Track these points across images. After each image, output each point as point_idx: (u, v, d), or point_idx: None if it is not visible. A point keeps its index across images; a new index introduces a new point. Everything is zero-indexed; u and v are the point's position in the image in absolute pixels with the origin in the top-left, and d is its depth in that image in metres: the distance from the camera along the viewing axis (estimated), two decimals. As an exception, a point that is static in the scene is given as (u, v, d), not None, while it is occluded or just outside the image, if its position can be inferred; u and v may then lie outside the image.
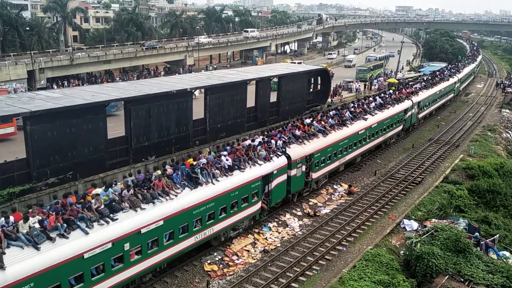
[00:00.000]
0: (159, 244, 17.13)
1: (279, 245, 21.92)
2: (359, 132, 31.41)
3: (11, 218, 14.09)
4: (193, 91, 28.66)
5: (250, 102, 34.76)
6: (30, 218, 13.95)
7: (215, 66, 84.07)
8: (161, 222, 16.88)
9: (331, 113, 31.73)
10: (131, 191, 16.73)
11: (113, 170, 24.14)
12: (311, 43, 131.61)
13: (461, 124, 48.19)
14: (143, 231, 16.21)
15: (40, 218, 14.36)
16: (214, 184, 19.41)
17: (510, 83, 74.90)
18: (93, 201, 15.68)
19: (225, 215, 20.22)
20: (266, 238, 22.44)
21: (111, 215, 15.54)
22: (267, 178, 22.60)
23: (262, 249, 21.45)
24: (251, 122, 34.60)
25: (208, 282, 18.53)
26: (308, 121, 28.95)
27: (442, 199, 27.57)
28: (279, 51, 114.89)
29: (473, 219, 25.69)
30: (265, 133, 27.37)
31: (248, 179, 21.11)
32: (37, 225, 14.02)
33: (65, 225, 14.37)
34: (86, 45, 75.62)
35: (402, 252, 21.81)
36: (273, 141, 24.32)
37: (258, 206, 22.33)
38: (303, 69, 43.02)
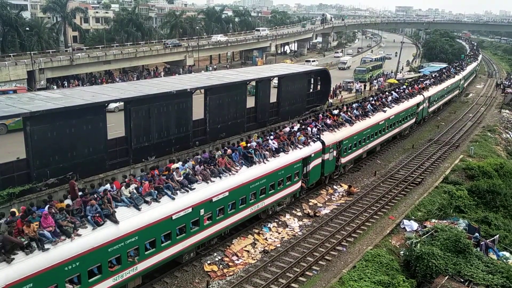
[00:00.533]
0: (225, 212, 20.32)
1: (279, 245, 21.92)
2: (380, 123, 34.64)
3: (113, 185, 17.41)
4: (193, 91, 28.65)
5: (250, 102, 34.81)
6: (131, 185, 17.07)
7: (215, 66, 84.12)
8: (227, 193, 20.06)
9: (354, 105, 35.33)
10: (202, 166, 19.94)
11: (113, 171, 24.13)
12: (311, 43, 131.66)
13: (461, 124, 48.22)
14: (214, 199, 19.40)
15: (136, 185, 17.37)
16: (265, 163, 22.48)
17: (510, 83, 74.93)
18: (174, 173, 18.85)
19: (273, 191, 23.34)
20: (266, 239, 22.45)
21: (189, 185, 18.64)
22: (306, 161, 25.67)
23: (262, 249, 21.46)
24: (251, 122, 34.59)
25: (208, 282, 18.54)
26: (336, 111, 32.19)
27: (442, 199, 27.58)
28: (279, 51, 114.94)
29: (473, 219, 25.70)
30: (301, 121, 30.59)
31: (291, 160, 24.16)
32: (134, 191, 17.05)
33: (156, 191, 17.44)
34: (86, 45, 75.63)
35: (402, 252, 21.81)
36: (309, 128, 27.37)
37: (298, 185, 25.49)
38: (303, 69, 43.01)
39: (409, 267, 20.57)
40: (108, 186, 17.40)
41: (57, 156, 21.85)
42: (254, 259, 20.58)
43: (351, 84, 65.60)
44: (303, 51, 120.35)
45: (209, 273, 19.26)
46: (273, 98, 37.47)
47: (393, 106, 37.50)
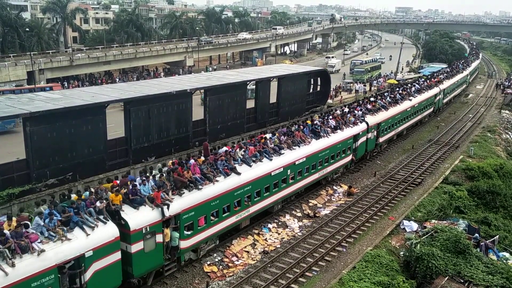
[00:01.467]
0: (302, 174, 25.30)
1: (278, 246, 21.91)
2: (407, 110, 40.02)
3: (225, 148, 22.12)
4: (192, 92, 28.66)
5: (250, 103, 34.83)
6: (238, 149, 21.94)
7: (214, 67, 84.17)
8: (304, 159, 25.06)
9: (386, 94, 41.21)
10: (285, 137, 25.01)
11: (112, 171, 24.13)
12: (310, 44, 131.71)
13: (461, 125, 48.21)
14: (296, 163, 24.40)
15: (244, 148, 22.25)
16: (327, 137, 27.46)
17: (509, 84, 74.95)
18: (268, 142, 23.68)
19: (333, 161, 28.32)
20: (265, 239, 22.43)
21: (279, 151, 23.53)
22: (355, 137, 30.77)
23: (262, 250, 21.44)
24: (250, 123, 34.60)
25: (207, 283, 18.52)
26: (372, 98, 38.17)
27: (442, 200, 27.56)
28: (279, 52, 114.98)
29: (473, 220, 25.68)
30: (347, 105, 36.25)
31: (346, 136, 29.40)
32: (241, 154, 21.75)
33: (258, 154, 22.23)
34: (86, 46, 75.61)
35: (402, 253, 21.80)
36: (356, 111, 32.76)
37: (350, 157, 30.67)
38: (302, 70, 43.03)
39: (409, 267, 20.56)
40: (224, 148, 22.18)
41: (57, 156, 21.87)
42: (254, 260, 20.56)
43: (351, 84, 65.62)
44: (303, 51, 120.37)
45: (209, 273, 19.24)
46: (273, 99, 37.51)
47: (416, 96, 42.71)
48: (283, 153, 23.53)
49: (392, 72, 76.99)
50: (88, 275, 14.39)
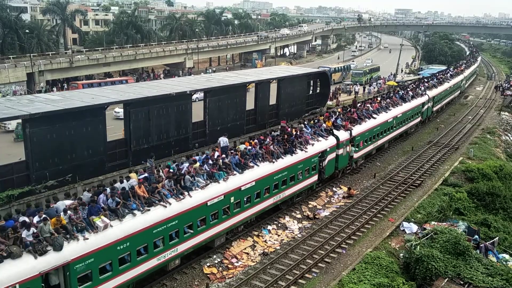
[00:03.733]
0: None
1: (278, 248, 21.89)
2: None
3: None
4: (192, 94, 28.67)
5: (250, 105, 34.82)
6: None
7: (214, 68, 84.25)
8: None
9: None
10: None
11: (112, 173, 24.12)
12: (310, 46, 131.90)
13: (461, 126, 48.25)
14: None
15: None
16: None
17: (509, 85, 75.03)
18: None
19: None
20: (265, 241, 22.42)
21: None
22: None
23: (262, 252, 21.43)
24: (250, 124, 34.61)
25: (207, 284, 18.50)
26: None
27: (442, 201, 27.53)
28: (279, 53, 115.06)
29: (473, 221, 25.65)
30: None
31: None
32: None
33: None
34: (86, 47, 75.69)
35: (401, 254, 21.79)
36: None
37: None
38: (302, 71, 43.06)
39: (409, 269, 20.54)
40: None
41: (57, 158, 21.86)
42: (254, 262, 20.55)
43: (351, 86, 65.71)
44: (303, 53, 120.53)
45: (208, 275, 19.23)
46: (272, 100, 37.54)
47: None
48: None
49: (391, 74, 77.06)
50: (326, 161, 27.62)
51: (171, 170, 19.26)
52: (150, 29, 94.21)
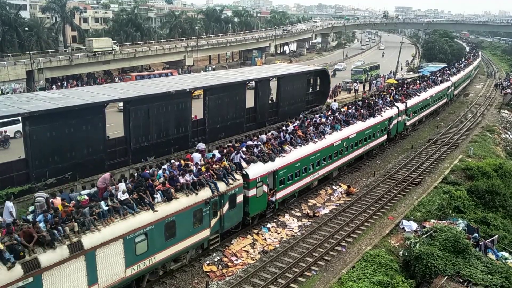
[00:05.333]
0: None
1: (278, 245, 21.90)
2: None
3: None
4: (192, 91, 28.67)
5: (249, 103, 34.82)
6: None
7: (214, 66, 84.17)
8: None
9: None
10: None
11: (112, 171, 24.08)
12: (310, 43, 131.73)
13: (460, 124, 48.22)
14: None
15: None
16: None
17: (509, 83, 74.97)
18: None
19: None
20: (265, 239, 22.43)
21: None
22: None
23: (261, 249, 21.44)
24: (250, 122, 34.60)
25: (207, 282, 18.52)
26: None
27: (441, 199, 27.57)
28: (279, 51, 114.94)
29: (472, 219, 25.68)
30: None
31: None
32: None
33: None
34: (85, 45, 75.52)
35: (401, 252, 21.81)
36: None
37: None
38: (302, 69, 43.05)
39: (408, 267, 20.56)
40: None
41: (56, 156, 21.87)
42: (253, 260, 20.56)
43: (350, 84, 65.69)
44: (303, 51, 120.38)
45: (208, 273, 19.24)
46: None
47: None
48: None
49: (391, 72, 77.02)
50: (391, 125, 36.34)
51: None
52: (150, 27, 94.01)
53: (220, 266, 19.84)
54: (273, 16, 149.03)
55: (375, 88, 64.49)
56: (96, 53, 61.92)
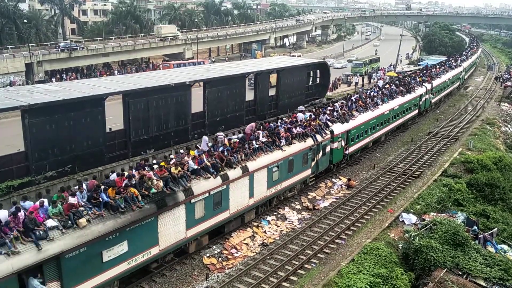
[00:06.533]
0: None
1: (277, 238, 21.96)
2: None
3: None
4: (191, 84, 28.56)
5: (249, 95, 34.73)
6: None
7: (213, 59, 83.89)
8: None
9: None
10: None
11: (112, 164, 24.11)
12: (310, 36, 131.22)
13: (460, 117, 48.20)
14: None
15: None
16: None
17: (509, 76, 74.80)
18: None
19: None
20: (265, 232, 22.49)
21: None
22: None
23: (261, 242, 21.50)
24: (250, 115, 34.52)
25: (207, 275, 18.59)
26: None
27: (441, 192, 27.62)
28: (278, 44, 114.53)
29: (472, 212, 25.75)
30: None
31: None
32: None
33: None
34: (84, 38, 75.25)
35: (400, 245, 21.88)
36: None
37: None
38: (302, 62, 42.89)
39: (408, 260, 20.65)
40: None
41: (56, 149, 21.81)
42: (253, 252, 20.62)
43: (350, 77, 65.53)
44: (302, 43, 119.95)
45: (208, 265, 19.31)
46: (272, 91, 37.42)
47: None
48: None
49: (391, 65, 76.79)
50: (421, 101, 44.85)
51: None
52: (149, 19, 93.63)
53: (220, 259, 19.91)
54: (273, 9, 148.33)
55: (375, 81, 64.29)
56: (164, 38, 73.31)
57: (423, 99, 45.00)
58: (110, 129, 25.69)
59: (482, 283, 18.63)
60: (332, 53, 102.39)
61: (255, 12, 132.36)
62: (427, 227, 22.35)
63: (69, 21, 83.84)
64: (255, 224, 22.97)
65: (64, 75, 57.32)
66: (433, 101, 49.43)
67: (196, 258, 19.66)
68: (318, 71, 44.47)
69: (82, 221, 14.41)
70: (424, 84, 45.77)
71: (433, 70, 53.71)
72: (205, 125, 30.35)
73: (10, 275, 12.51)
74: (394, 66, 75.70)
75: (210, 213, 19.38)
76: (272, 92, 37.51)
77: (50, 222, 14.06)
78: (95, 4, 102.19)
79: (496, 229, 23.88)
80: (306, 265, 19.57)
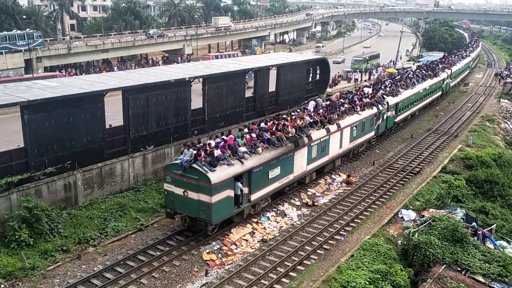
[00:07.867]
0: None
1: (277, 234, 21.99)
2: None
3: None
4: (191, 80, 28.54)
5: (249, 91, 34.70)
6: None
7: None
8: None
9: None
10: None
11: (111, 160, 24.12)
12: (310, 32, 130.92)
13: (460, 114, 48.18)
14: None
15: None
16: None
17: (509, 73, 74.72)
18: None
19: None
20: (264, 228, 22.51)
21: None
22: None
23: (261, 238, 21.52)
24: (249, 112, 34.52)
25: (206, 271, 18.62)
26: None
27: (440, 189, 27.63)
28: (278, 40, 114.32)
29: (471, 209, 25.77)
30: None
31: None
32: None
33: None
34: (84, 34, 75.12)
35: (399, 241, 21.91)
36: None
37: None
38: (302, 58, 42.85)
39: (407, 256, 20.68)
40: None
41: (55, 145, 21.82)
42: (253, 248, 20.65)
43: (350, 73, 65.49)
44: (302, 40, 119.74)
45: (207, 262, 19.33)
46: (271, 87, 37.40)
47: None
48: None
49: (391, 61, 76.74)
50: (444, 84, 53.33)
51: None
52: (149, 15, 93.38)
53: (219, 255, 19.93)
54: (273, 5, 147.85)
55: (374, 77, 64.29)
56: (221, 28, 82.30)
57: (445, 82, 52.76)
58: (110, 125, 25.68)
59: (481, 279, 18.69)
60: (332, 49, 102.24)
61: (254, 8, 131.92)
62: (426, 223, 22.38)
63: (69, 17, 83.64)
64: (255, 220, 23.00)
65: (64, 71, 57.26)
66: (451, 84, 57.32)
67: (196, 254, 19.70)
68: (318, 68, 44.43)
69: (259, 149, 21.46)
70: (445, 70, 53.68)
71: (449, 59, 61.89)
72: (204, 121, 30.35)
73: (231, 178, 19.65)
74: (394, 63, 75.62)
75: (319, 155, 26.43)
76: (272, 88, 37.47)
77: (242, 149, 20.94)
78: (94, 0, 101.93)
79: (495, 225, 23.92)
80: (305, 261, 19.61)
